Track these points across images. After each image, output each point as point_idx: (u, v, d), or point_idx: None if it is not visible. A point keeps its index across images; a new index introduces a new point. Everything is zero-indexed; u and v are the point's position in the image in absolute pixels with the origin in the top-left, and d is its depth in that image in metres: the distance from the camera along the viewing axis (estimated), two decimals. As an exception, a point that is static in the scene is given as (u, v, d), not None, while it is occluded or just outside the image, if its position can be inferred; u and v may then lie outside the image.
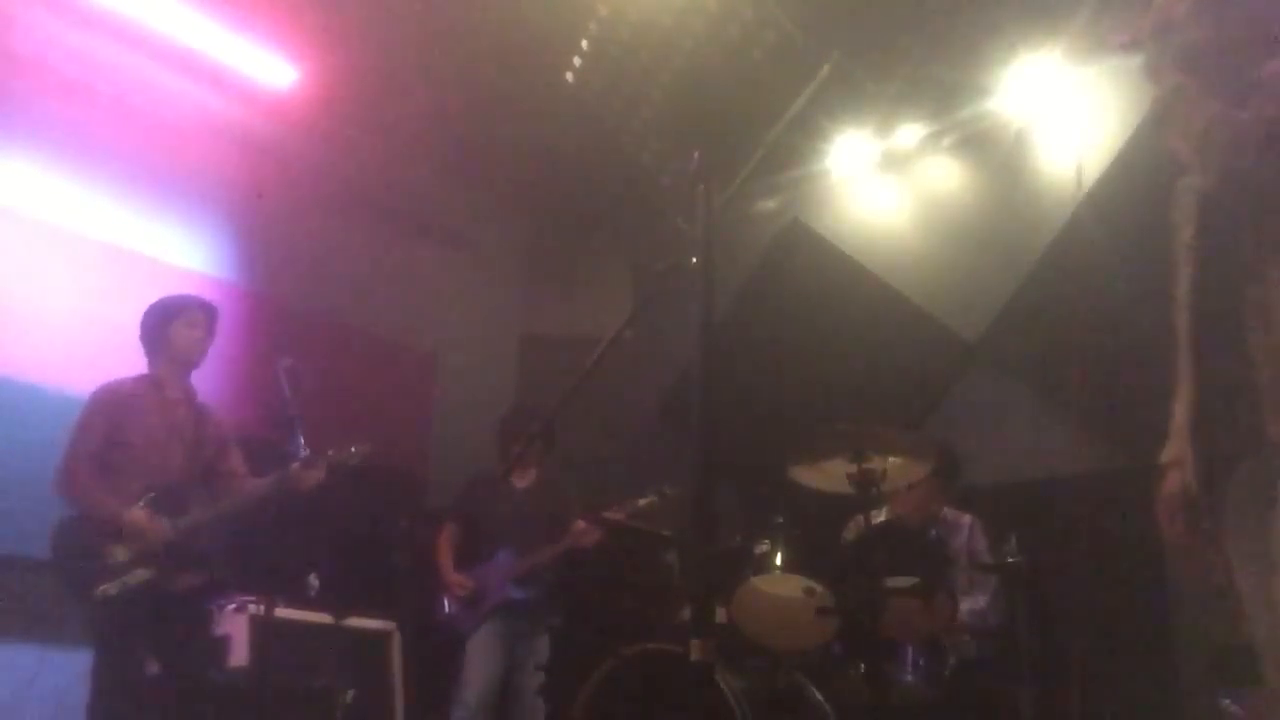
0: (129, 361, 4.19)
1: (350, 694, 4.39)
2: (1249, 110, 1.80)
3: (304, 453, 3.85)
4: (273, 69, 5.52)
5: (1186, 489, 2.03)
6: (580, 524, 4.77)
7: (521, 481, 4.98)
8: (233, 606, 4.28)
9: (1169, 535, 2.09)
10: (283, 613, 4.28)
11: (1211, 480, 1.99)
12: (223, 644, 4.23)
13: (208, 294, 4.68)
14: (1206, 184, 1.92)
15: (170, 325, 3.98)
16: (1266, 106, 1.79)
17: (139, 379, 3.98)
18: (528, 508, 4.86)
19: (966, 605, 4.11)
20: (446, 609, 4.76)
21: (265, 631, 4.14)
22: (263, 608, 4.06)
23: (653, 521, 4.54)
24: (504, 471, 4.92)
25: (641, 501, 4.60)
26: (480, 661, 4.58)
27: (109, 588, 3.62)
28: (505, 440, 4.99)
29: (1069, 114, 5.10)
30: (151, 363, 4.01)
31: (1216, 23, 1.90)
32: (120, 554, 3.68)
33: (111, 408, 3.86)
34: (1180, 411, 2.06)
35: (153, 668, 3.78)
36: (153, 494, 3.77)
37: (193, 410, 4.02)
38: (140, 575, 3.67)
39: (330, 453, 3.97)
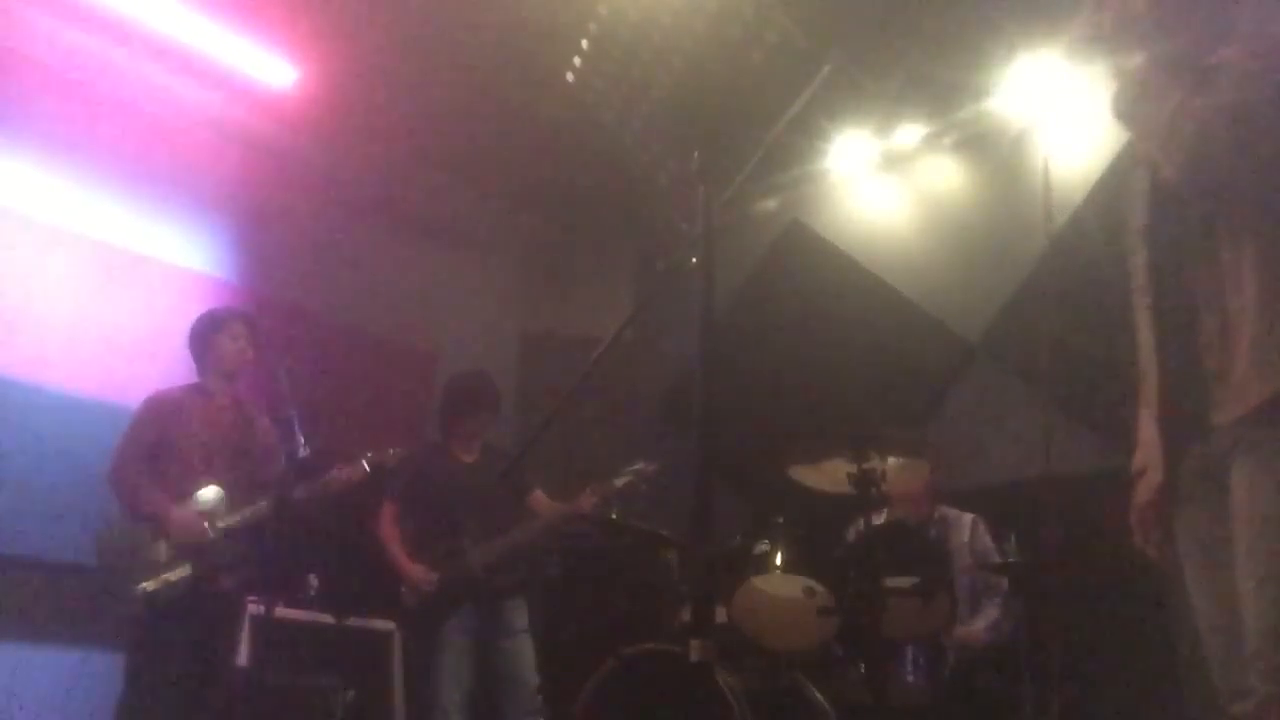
0: (128, 361, 4.20)
1: (350, 694, 4.39)
2: (1210, 97, 1.80)
3: (303, 451, 3.89)
4: (273, 69, 5.52)
5: (1158, 498, 2.01)
6: (541, 496, 4.53)
7: (468, 456, 4.57)
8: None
9: (1140, 545, 2.07)
10: (283, 613, 4.28)
11: (1173, 474, 1.97)
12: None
13: (208, 294, 4.70)
14: (1171, 173, 1.91)
15: (213, 338, 4.13)
16: (1226, 92, 1.79)
17: (187, 387, 4.13)
18: (481, 485, 4.45)
19: (982, 622, 4.13)
20: (404, 602, 4.38)
21: (265, 631, 4.15)
22: (263, 608, 4.07)
23: (631, 498, 4.38)
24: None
25: (618, 482, 4.35)
26: (454, 662, 4.26)
27: (149, 584, 3.71)
28: (450, 410, 4.62)
29: (1069, 114, 5.10)
30: (200, 371, 4.16)
31: (1174, 11, 1.90)
32: (162, 552, 3.77)
33: (160, 414, 4.00)
34: (1145, 414, 2.04)
35: (184, 666, 3.82)
36: (198, 495, 3.88)
37: (240, 417, 4.13)
38: (180, 573, 3.76)
39: (370, 455, 4.13)
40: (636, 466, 4.40)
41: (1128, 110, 1.96)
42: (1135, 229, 2.05)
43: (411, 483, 4.49)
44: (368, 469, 4.11)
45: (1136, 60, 1.92)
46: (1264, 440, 1.78)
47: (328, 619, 4.62)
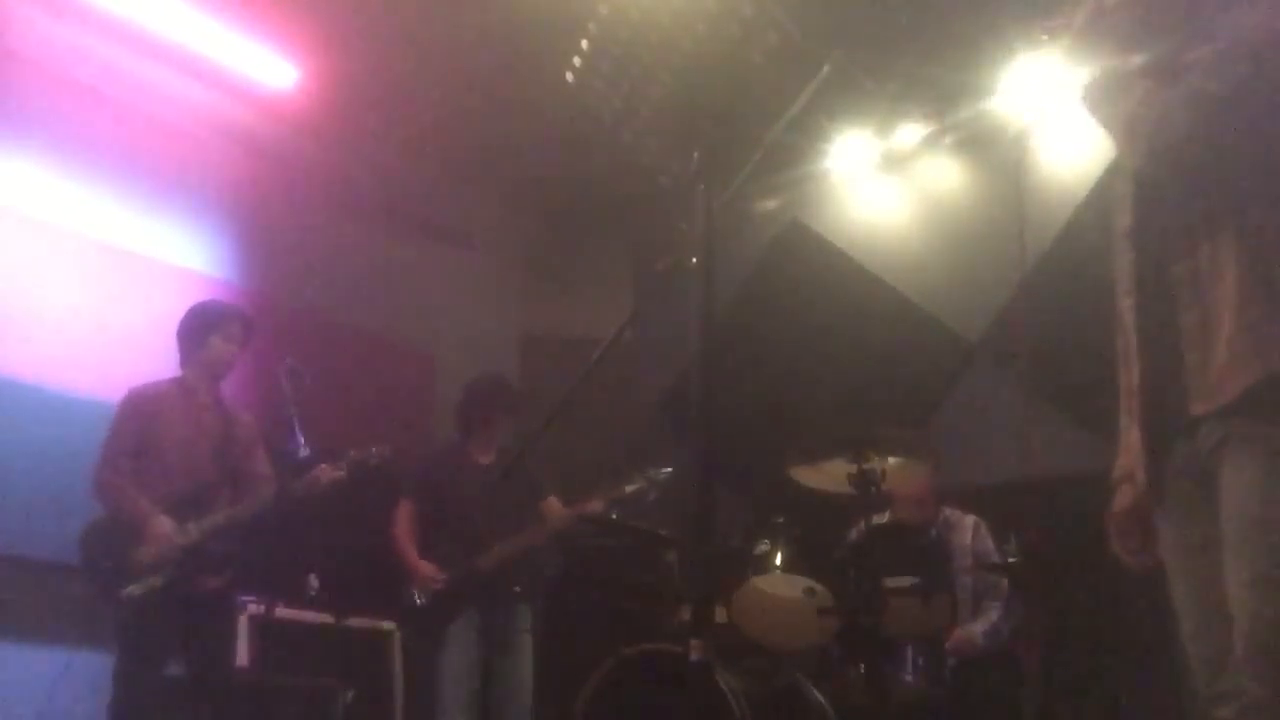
0: (128, 361, 4.19)
1: (350, 694, 4.38)
2: (1177, 88, 1.81)
3: (304, 452, 3.87)
4: (273, 69, 5.52)
5: (1139, 505, 2.00)
6: (553, 503, 4.55)
7: (485, 458, 4.62)
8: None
9: (1120, 553, 2.07)
10: (283, 613, 4.28)
11: (1157, 474, 1.97)
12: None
13: (208, 294, 4.69)
14: (1135, 163, 1.92)
15: (209, 336, 4.04)
16: (1194, 84, 1.79)
17: (169, 382, 4.05)
18: (495, 488, 4.44)
19: (981, 626, 4.12)
20: (417, 601, 4.40)
21: (265, 631, 4.14)
22: (263, 608, 4.07)
23: (640, 504, 4.36)
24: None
25: (628, 488, 4.33)
26: (458, 661, 4.28)
27: (133, 589, 3.68)
28: (470, 411, 4.67)
29: (1069, 114, 5.10)
30: (184, 364, 4.08)
31: (1148, 9, 1.90)
32: (145, 554, 3.73)
33: (141, 410, 3.94)
34: (1127, 419, 2.04)
35: (175, 668, 3.81)
36: (179, 499, 3.83)
37: (221, 414, 4.06)
38: (164, 577, 3.72)
39: (352, 454, 4.03)
40: (649, 473, 4.35)
41: (1096, 102, 1.96)
42: (1120, 231, 2.04)
43: (426, 482, 4.56)
44: (347, 468, 4.02)
45: (1109, 56, 1.92)
46: (1252, 438, 1.77)
47: (328, 619, 4.61)
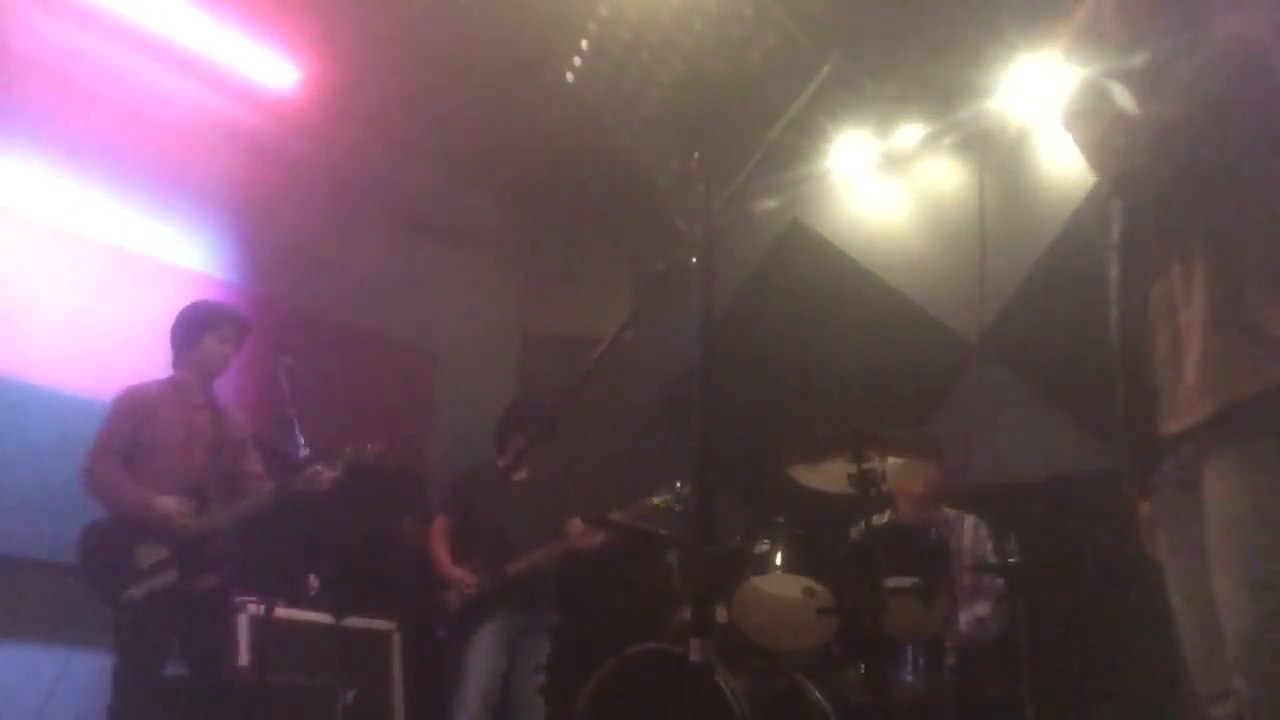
0: (127, 361, 4.19)
1: (350, 694, 4.39)
2: (1150, 108, 1.82)
3: (303, 452, 3.87)
4: (274, 69, 5.52)
5: (1147, 510, 2.05)
6: (577, 523, 4.71)
7: (517, 475, 4.87)
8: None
9: (1151, 554, 2.10)
10: (283, 613, 4.28)
11: (1147, 482, 2.02)
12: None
13: (208, 294, 4.69)
14: (1106, 186, 1.94)
15: (202, 336, 4.06)
16: (1166, 104, 1.80)
17: (163, 382, 4.06)
18: (525, 501, 4.76)
19: (966, 615, 4.11)
20: (449, 606, 4.65)
21: (265, 631, 4.14)
22: (263, 608, 4.07)
23: (661, 520, 4.45)
24: (511, 465, 4.86)
25: (656, 500, 4.43)
26: (482, 661, 4.49)
27: (135, 591, 3.67)
28: (507, 430, 4.94)
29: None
30: (177, 365, 4.09)
31: (1134, 19, 1.91)
32: (146, 557, 3.72)
33: (135, 410, 3.94)
34: None
35: (174, 669, 3.81)
36: (177, 493, 3.83)
37: (214, 413, 4.08)
38: (166, 578, 3.73)
39: (348, 452, 4.04)
40: (678, 490, 4.39)
41: (1071, 120, 1.98)
42: (1111, 243, 2.06)
43: (462, 496, 4.88)
44: (344, 467, 4.03)
45: (1102, 60, 1.92)
46: (1226, 450, 1.80)
47: (328, 619, 4.61)
